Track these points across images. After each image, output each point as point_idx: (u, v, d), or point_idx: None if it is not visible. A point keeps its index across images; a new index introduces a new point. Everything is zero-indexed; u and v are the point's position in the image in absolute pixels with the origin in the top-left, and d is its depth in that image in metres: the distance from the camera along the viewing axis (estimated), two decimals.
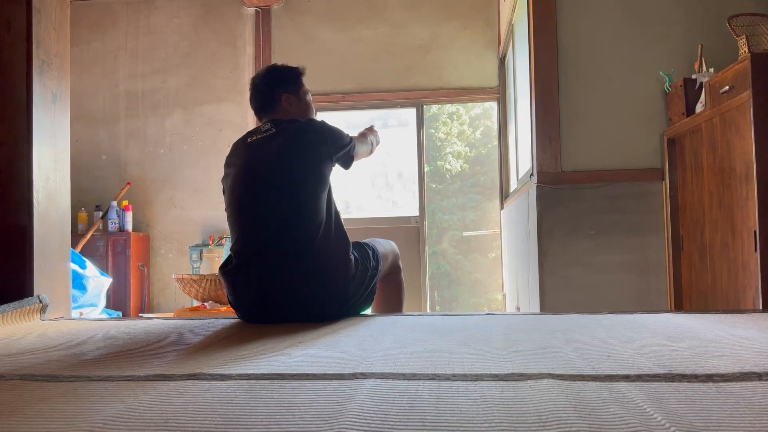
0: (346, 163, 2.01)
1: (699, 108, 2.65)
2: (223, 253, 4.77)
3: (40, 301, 2.04)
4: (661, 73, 2.93)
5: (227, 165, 1.97)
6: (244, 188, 1.87)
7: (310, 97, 2.10)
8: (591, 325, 1.61)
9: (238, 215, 1.87)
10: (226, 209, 1.94)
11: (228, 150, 2.04)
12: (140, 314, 4.80)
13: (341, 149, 1.95)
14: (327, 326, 1.68)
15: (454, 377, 0.99)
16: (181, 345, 1.41)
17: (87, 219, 4.94)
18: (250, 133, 1.97)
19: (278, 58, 5.07)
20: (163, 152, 5.14)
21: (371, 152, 2.23)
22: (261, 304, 1.80)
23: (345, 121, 5.42)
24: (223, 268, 1.89)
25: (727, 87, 2.40)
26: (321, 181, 1.85)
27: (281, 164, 1.84)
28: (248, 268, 1.80)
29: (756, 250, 2.21)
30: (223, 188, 1.97)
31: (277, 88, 2.02)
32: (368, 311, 2.07)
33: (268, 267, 1.78)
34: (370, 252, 2.00)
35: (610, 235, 2.92)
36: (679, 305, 2.84)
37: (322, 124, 1.96)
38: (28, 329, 1.81)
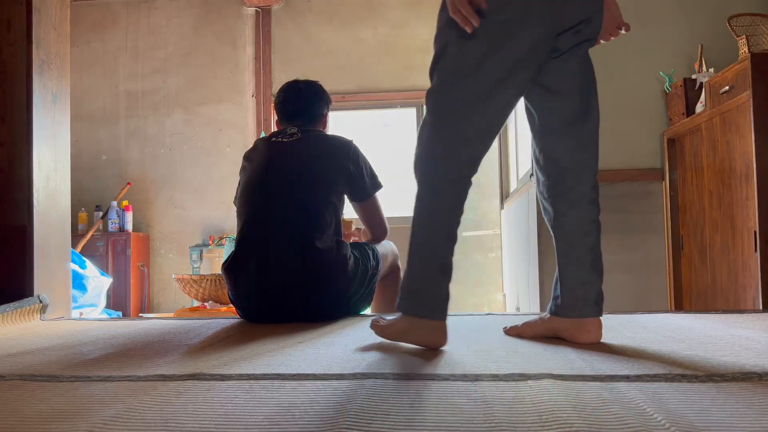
0: (364, 194, 2.02)
1: (699, 108, 2.65)
2: (223, 253, 4.76)
3: (40, 301, 2.03)
4: (661, 73, 2.93)
5: (247, 158, 2.03)
6: (260, 182, 1.91)
7: None
8: None
9: (249, 206, 1.91)
10: (236, 200, 1.99)
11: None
12: (140, 314, 4.80)
13: (366, 177, 1.99)
14: (327, 326, 1.68)
15: (454, 377, 0.99)
16: (181, 345, 1.41)
17: (87, 219, 4.94)
18: (274, 134, 2.03)
19: (278, 58, 5.07)
20: (163, 152, 5.13)
21: (385, 230, 2.13)
22: (260, 300, 1.82)
23: (345, 121, 5.42)
24: (225, 264, 1.91)
25: (727, 87, 2.40)
26: (336, 193, 1.91)
27: (305, 166, 1.90)
28: (248, 261, 1.82)
29: (756, 250, 2.21)
30: (239, 180, 2.02)
31: (324, 107, 2.11)
32: (368, 311, 2.07)
33: (268, 261, 1.80)
34: (370, 252, 2.01)
35: (610, 235, 2.89)
36: (679, 305, 2.84)
37: (361, 151, 2.03)
38: (28, 329, 1.81)
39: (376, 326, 1.38)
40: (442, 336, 1.28)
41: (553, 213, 1.38)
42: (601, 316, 1.34)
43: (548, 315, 1.40)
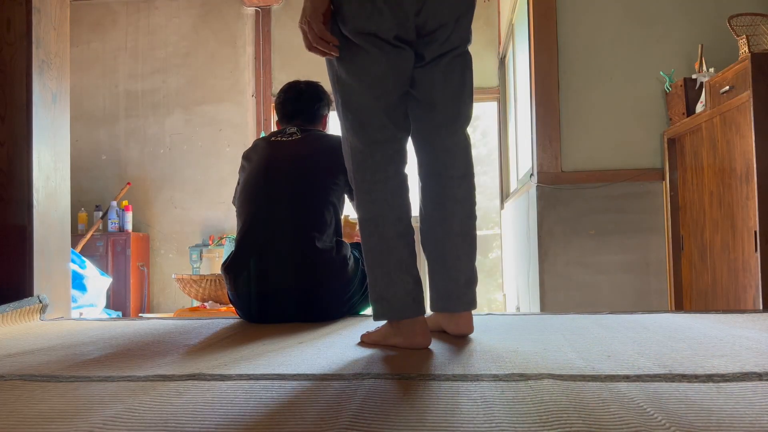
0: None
1: (699, 108, 2.65)
2: (222, 253, 4.76)
3: (40, 301, 2.03)
4: (661, 73, 2.93)
5: (246, 158, 2.03)
6: (260, 181, 1.91)
7: None
8: (591, 325, 1.61)
9: (248, 205, 1.91)
10: (235, 200, 1.99)
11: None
12: (140, 314, 4.80)
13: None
14: (327, 326, 1.68)
15: (454, 377, 0.99)
16: (181, 345, 1.41)
17: (87, 219, 4.94)
18: (273, 134, 2.03)
19: (278, 58, 5.07)
20: (163, 152, 5.14)
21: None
22: (260, 300, 1.82)
23: None
24: (225, 264, 1.90)
25: (727, 87, 2.40)
26: (335, 193, 1.90)
27: (305, 166, 1.90)
28: (248, 261, 1.82)
29: (756, 250, 2.21)
30: (239, 180, 2.02)
31: (325, 107, 2.12)
32: (367, 311, 2.07)
33: (268, 261, 1.80)
34: None
35: (610, 235, 2.92)
36: (679, 305, 2.84)
37: None
38: (28, 329, 1.81)
39: (362, 337, 1.39)
40: (422, 335, 1.27)
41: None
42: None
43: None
